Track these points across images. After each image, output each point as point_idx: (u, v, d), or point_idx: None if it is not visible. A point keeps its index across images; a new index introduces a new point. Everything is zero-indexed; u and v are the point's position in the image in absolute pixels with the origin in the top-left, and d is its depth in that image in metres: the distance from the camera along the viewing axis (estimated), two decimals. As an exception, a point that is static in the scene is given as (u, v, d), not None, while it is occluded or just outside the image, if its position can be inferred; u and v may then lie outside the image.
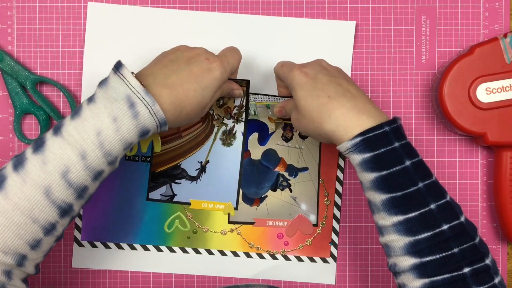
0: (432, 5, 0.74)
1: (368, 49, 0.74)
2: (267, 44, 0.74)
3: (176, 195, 0.74)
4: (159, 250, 0.74)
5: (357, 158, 0.58)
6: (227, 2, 0.74)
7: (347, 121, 0.58)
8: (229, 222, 0.74)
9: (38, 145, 0.56)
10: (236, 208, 0.74)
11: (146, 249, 0.74)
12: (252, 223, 0.74)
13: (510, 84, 0.69)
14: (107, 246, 0.74)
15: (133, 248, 0.74)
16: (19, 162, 0.56)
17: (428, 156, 0.75)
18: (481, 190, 0.75)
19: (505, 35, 0.69)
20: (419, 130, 0.75)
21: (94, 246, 0.74)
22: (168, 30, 0.73)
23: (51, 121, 0.74)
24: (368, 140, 0.57)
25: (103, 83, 0.58)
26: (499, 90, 0.69)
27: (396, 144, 0.57)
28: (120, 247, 0.74)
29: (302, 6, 0.74)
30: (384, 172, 0.57)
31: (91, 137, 0.55)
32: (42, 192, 0.55)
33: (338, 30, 0.73)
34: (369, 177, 0.58)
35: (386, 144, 0.57)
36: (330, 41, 0.73)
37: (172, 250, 0.75)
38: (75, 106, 0.73)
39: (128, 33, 0.73)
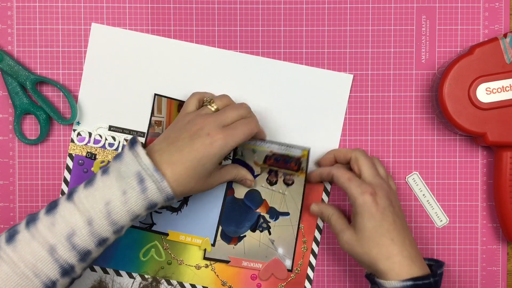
0: (432, 5, 0.74)
1: (368, 49, 0.74)
2: (263, 85, 0.73)
3: (155, 224, 0.74)
4: (131, 276, 0.74)
5: None
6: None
7: (401, 268, 0.63)
8: (205, 258, 0.74)
9: (52, 207, 0.61)
10: (213, 245, 0.74)
11: (119, 274, 0.74)
12: (227, 262, 0.74)
13: (510, 84, 0.69)
14: None
15: (105, 272, 0.74)
16: (32, 220, 0.61)
17: (428, 156, 0.75)
18: (481, 190, 0.75)
19: (505, 35, 0.69)
20: (419, 130, 0.75)
21: None
22: (167, 60, 0.73)
23: (51, 121, 0.74)
24: (417, 286, 0.62)
25: (118, 157, 0.62)
26: (499, 90, 0.69)
27: None
28: (92, 269, 0.74)
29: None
30: None
31: (100, 206, 0.60)
32: (46, 249, 0.59)
33: (337, 80, 0.74)
34: None
35: None
36: (328, 90, 0.74)
37: (144, 278, 0.74)
38: (75, 106, 0.73)
39: (127, 57, 0.73)
